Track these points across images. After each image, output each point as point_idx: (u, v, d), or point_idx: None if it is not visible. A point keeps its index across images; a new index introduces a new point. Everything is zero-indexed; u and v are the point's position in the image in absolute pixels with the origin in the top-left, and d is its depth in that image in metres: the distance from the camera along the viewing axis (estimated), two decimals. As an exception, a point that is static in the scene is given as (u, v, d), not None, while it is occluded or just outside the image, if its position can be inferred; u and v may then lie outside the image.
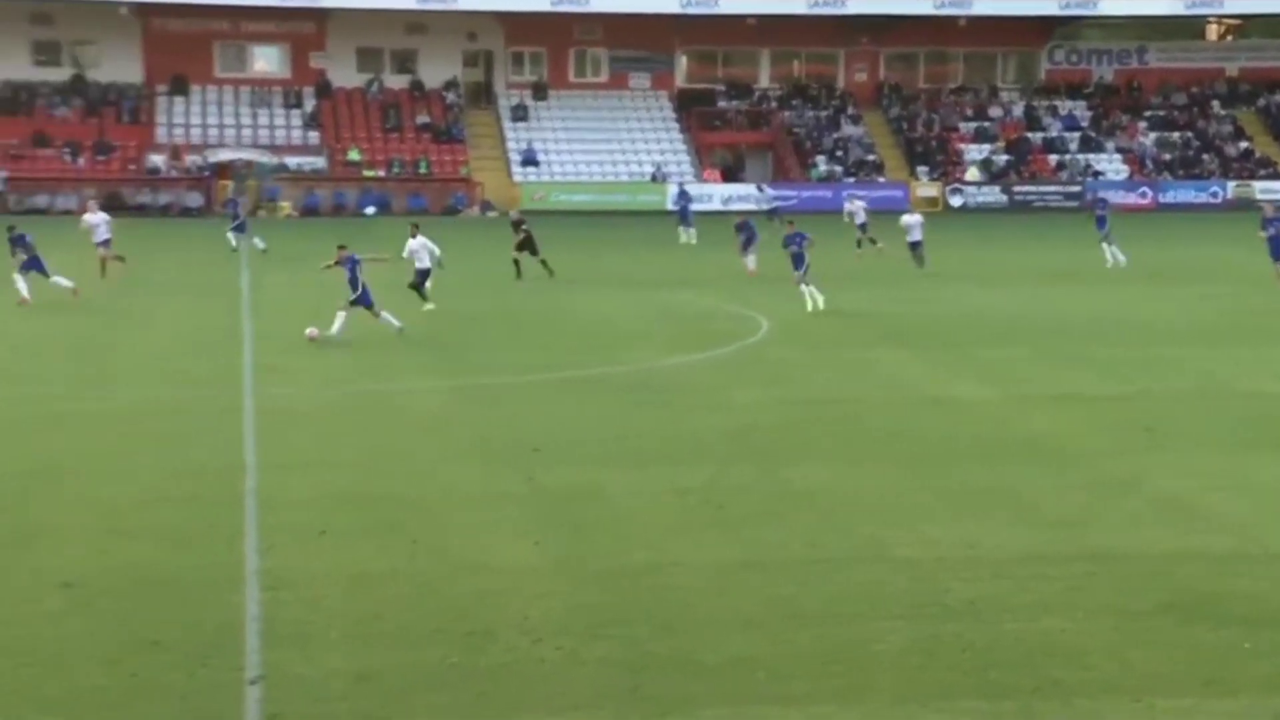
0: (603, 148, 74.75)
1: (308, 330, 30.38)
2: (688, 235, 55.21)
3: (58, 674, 12.65)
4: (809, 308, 34.93)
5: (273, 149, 70.43)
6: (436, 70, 76.57)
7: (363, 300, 30.98)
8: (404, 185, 70.20)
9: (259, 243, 50.12)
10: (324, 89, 74.31)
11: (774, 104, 79.27)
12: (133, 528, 17.13)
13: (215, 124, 71.90)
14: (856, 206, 52.24)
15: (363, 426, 23.04)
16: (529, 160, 73.01)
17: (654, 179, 71.68)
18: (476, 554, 16.13)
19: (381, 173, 70.60)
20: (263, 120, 72.65)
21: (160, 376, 27.16)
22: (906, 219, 46.57)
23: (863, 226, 50.31)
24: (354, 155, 71.16)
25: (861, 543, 16.58)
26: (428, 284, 35.62)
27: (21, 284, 35.87)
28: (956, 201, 75.31)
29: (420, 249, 35.62)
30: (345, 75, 75.39)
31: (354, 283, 30.97)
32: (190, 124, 71.70)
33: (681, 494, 18.63)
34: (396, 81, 76.18)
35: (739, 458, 20.68)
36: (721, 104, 78.77)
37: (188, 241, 54.73)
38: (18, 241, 36.61)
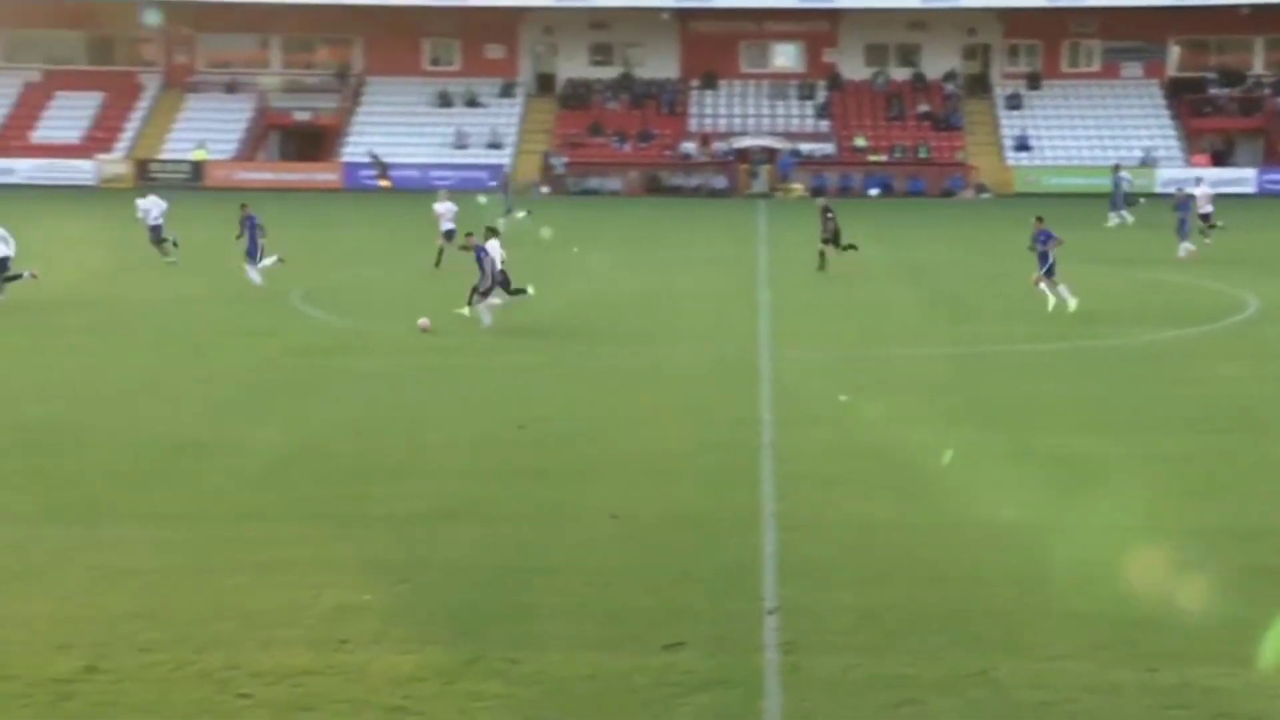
0: (1093, 134, 72.10)
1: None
2: (1120, 219, 52.30)
3: (606, 592, 13.22)
4: (1053, 307, 29.31)
5: (788, 136, 71.19)
6: (937, 63, 75.68)
7: None
8: (904, 169, 69.69)
9: (520, 214, 49.54)
10: (834, 81, 74.61)
11: (1267, 90, 74.34)
12: (669, 470, 17.69)
13: (739, 114, 73.26)
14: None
15: (868, 387, 23.02)
16: (1021, 146, 71.24)
17: (1142, 164, 68.56)
18: (969, 509, 15.88)
19: (884, 157, 70.38)
20: (779, 110, 73.53)
21: (687, 338, 27.90)
22: None
23: None
24: (860, 142, 71.16)
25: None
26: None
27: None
28: None
29: None
30: (854, 69, 75.45)
31: None
32: (718, 114, 73.32)
33: (1177, 460, 17.80)
34: (900, 74, 75.71)
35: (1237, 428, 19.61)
36: (1212, 91, 74.49)
37: (713, 218, 56.02)
38: (246, 222, 34.00)
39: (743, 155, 69.67)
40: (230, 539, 14.66)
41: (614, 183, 68.38)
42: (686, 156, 70.20)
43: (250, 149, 71.69)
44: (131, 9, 71.05)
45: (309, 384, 23.09)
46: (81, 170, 67.32)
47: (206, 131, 70.80)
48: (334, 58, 75.74)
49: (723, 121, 73.05)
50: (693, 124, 72.72)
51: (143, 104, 73.16)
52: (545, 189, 65.66)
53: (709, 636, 12.12)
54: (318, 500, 16.23)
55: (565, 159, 68.73)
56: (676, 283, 36.67)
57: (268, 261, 33.74)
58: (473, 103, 73.25)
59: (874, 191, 67.91)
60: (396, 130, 71.75)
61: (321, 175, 68.68)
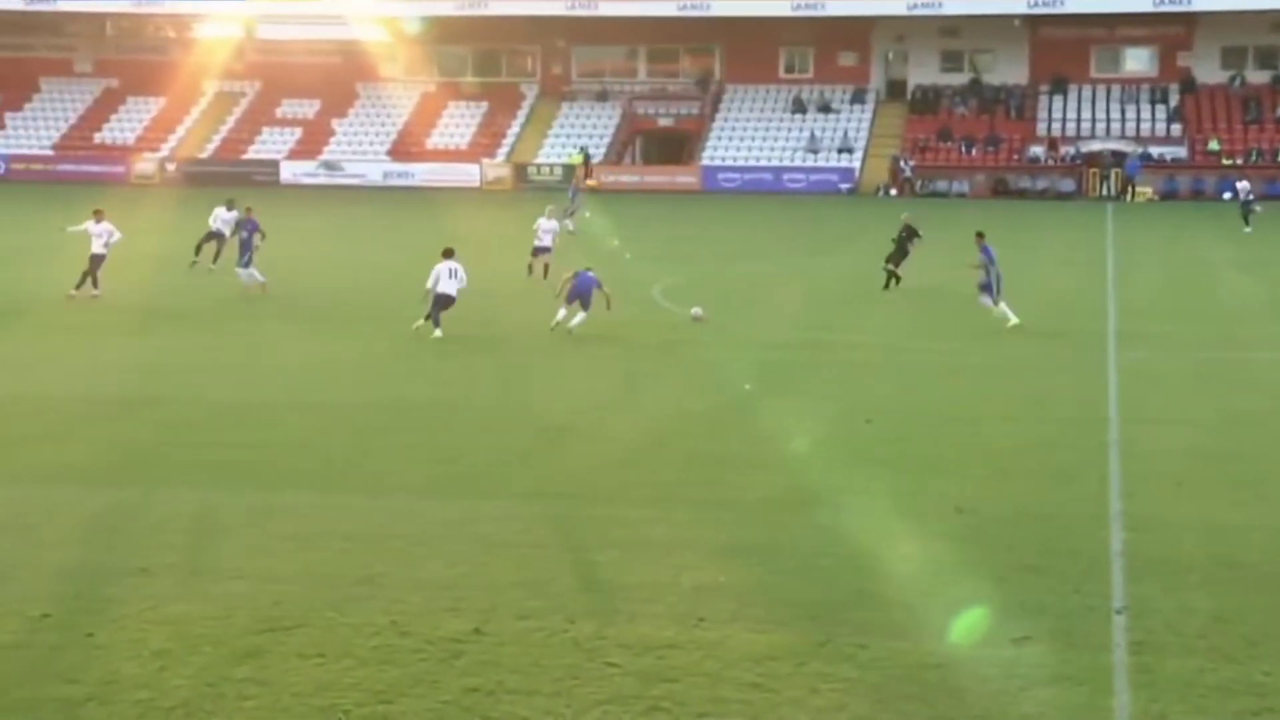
0: None
1: None
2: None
3: (952, 584, 12.95)
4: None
5: (1137, 140, 68.22)
6: (1298, 64, 71.23)
7: None
8: (1261, 172, 65.78)
9: (570, 224, 44.85)
10: (1188, 85, 71.07)
11: None
12: (1013, 466, 17.26)
13: (1088, 118, 70.62)
14: None
15: (1217, 390, 21.91)
16: (1387, 147, 66.37)
17: None
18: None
19: (1239, 161, 66.60)
20: (1129, 114, 70.54)
21: (1030, 336, 27.11)
22: None
23: None
24: (1214, 145, 67.57)
25: None
26: None
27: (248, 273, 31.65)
28: None
29: None
30: (1209, 72, 71.67)
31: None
32: (1066, 118, 70.88)
33: None
34: (1258, 77, 71.52)
35: None
36: None
37: (1060, 221, 54.25)
38: (247, 225, 32.32)
39: (1091, 159, 67.20)
40: (597, 518, 15.04)
41: (961, 185, 67.11)
42: (1034, 160, 68.20)
43: (618, 153, 73.43)
44: (513, 25, 73.74)
45: (665, 373, 23.49)
46: (468, 174, 70.32)
47: (579, 138, 72.90)
48: (696, 67, 76.75)
49: (1071, 125, 70.62)
50: (1041, 128, 70.58)
51: (522, 112, 75.89)
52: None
53: (1056, 632, 11.75)
54: (674, 484, 16.50)
55: (913, 162, 67.81)
56: (1022, 282, 35.66)
57: (255, 272, 31.55)
58: (825, 108, 73.06)
59: (1228, 195, 64.44)
60: (752, 135, 72.24)
61: (682, 178, 69.75)
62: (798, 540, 14.30)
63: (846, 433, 19.07)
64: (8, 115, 76.29)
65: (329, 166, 71.18)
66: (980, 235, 28.50)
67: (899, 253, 32.80)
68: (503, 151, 73.18)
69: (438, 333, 26.16)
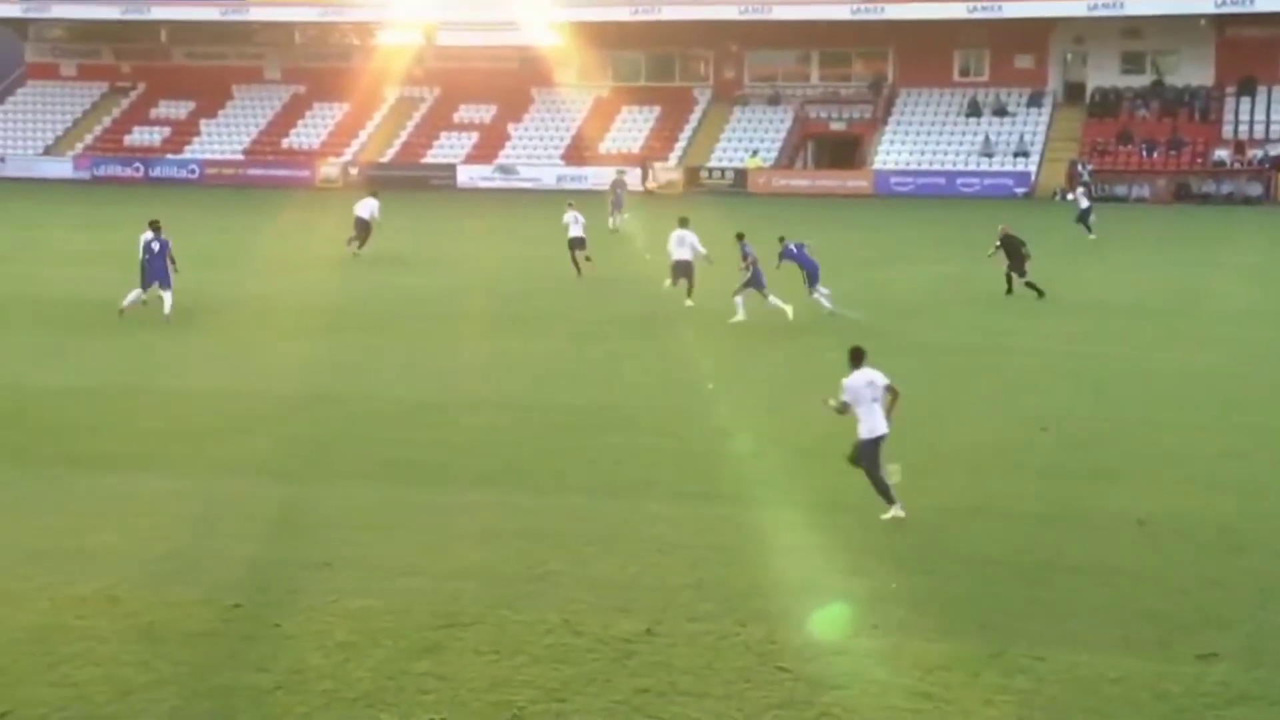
0: None
1: None
2: None
3: (1132, 596, 12.63)
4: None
5: (1336, 140, 65.76)
6: None
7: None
8: None
9: (614, 222, 46.76)
10: (1386, 84, 68.31)
11: None
12: (1200, 476, 16.75)
13: (1278, 120, 68.23)
14: None
15: None
16: None
17: None
18: None
19: None
20: (1323, 115, 68.03)
21: (1215, 341, 26.25)
22: None
23: None
24: None
25: None
26: None
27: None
28: None
29: None
30: None
31: None
32: (1255, 120, 68.51)
33: None
34: None
35: None
36: None
37: (1247, 225, 52.46)
38: (149, 246, 28.64)
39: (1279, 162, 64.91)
40: (767, 521, 15.00)
41: (1141, 190, 65.33)
42: (1219, 164, 66.08)
43: (789, 157, 73.16)
44: (687, 29, 73.96)
45: (832, 379, 23.16)
46: (639, 176, 70.67)
47: (750, 142, 72.84)
48: (868, 70, 76.09)
49: (1259, 128, 68.23)
50: (1226, 130, 68.33)
51: (694, 116, 76.04)
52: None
53: (1244, 649, 11.37)
54: (842, 489, 16.32)
55: (1090, 166, 66.23)
56: (1207, 286, 34.61)
57: (135, 295, 28.59)
58: (1000, 111, 71.79)
59: None
60: (925, 138, 71.35)
61: (853, 182, 69.19)
62: (969, 548, 14.08)
63: (1021, 439, 18.71)
64: (203, 122, 79.00)
65: (504, 170, 72.24)
66: (740, 236, 29.22)
67: (1018, 261, 31.55)
68: (675, 155, 73.42)
69: (686, 301, 30.03)
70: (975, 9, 68.65)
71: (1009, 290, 31.51)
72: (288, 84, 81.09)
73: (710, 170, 71.15)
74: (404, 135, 76.82)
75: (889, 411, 15.00)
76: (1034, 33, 71.57)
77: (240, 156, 76.11)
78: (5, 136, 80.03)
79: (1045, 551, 13.87)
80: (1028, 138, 69.83)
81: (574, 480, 16.72)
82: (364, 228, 39.43)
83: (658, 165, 71.75)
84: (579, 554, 13.80)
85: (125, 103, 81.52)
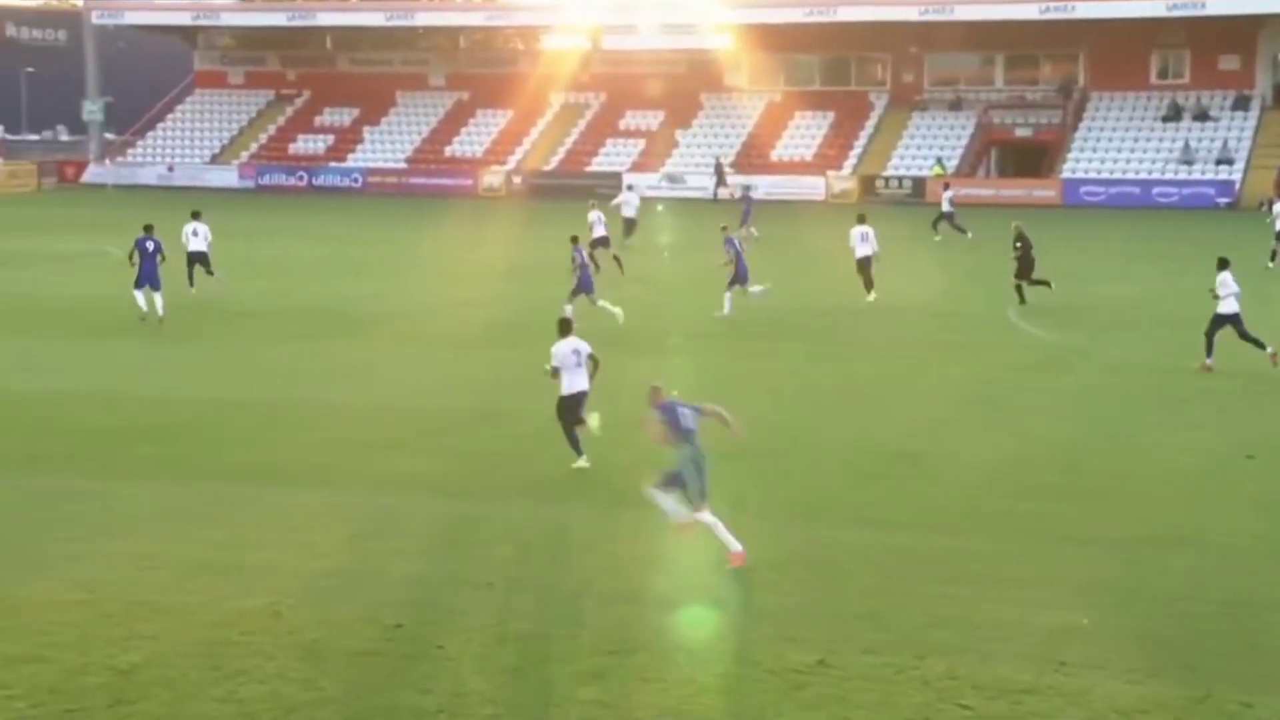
0: None
1: None
2: None
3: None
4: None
5: None
6: None
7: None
8: None
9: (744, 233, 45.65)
10: None
11: None
12: None
13: None
14: None
15: None
16: None
17: None
18: None
19: None
20: None
21: None
22: None
23: None
24: None
25: None
26: None
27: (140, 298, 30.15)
28: None
29: None
30: None
31: None
32: None
33: None
34: None
35: None
36: None
37: None
38: (140, 245, 30.41)
39: None
40: (946, 549, 14.80)
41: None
42: None
43: (971, 165, 72.22)
44: (864, 31, 73.52)
45: (1019, 400, 22.93)
46: (813, 186, 70.38)
47: (930, 149, 72.08)
48: (1057, 73, 74.78)
49: None
50: None
51: (870, 122, 75.54)
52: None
53: None
54: (1029, 517, 16.09)
55: (1302, 173, 64.15)
56: None
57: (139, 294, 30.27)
58: (1202, 116, 69.93)
59: None
60: (1119, 145, 69.84)
61: (1040, 191, 67.98)
62: (1165, 582, 13.73)
63: (1224, 468, 18.18)
64: (366, 130, 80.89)
65: (671, 179, 72.58)
66: (724, 229, 32.92)
67: (1025, 265, 32.62)
68: (850, 163, 72.99)
69: (869, 296, 32.70)
70: (1175, 7, 67.02)
71: (1022, 300, 32.42)
72: (451, 90, 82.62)
73: (886, 179, 70.58)
74: (568, 143, 77.69)
75: (591, 376, 18.29)
76: (1240, 32, 69.59)
77: (402, 165, 77.73)
78: (174, 146, 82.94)
79: (1253, 589, 13.45)
80: (1232, 144, 67.89)
81: (746, 504, 16.67)
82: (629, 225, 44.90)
83: (832, 173, 71.41)
84: (748, 581, 13.78)
85: (290, 110, 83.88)
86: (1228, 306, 24.40)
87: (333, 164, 78.34)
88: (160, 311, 29.93)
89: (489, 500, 16.74)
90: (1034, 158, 72.30)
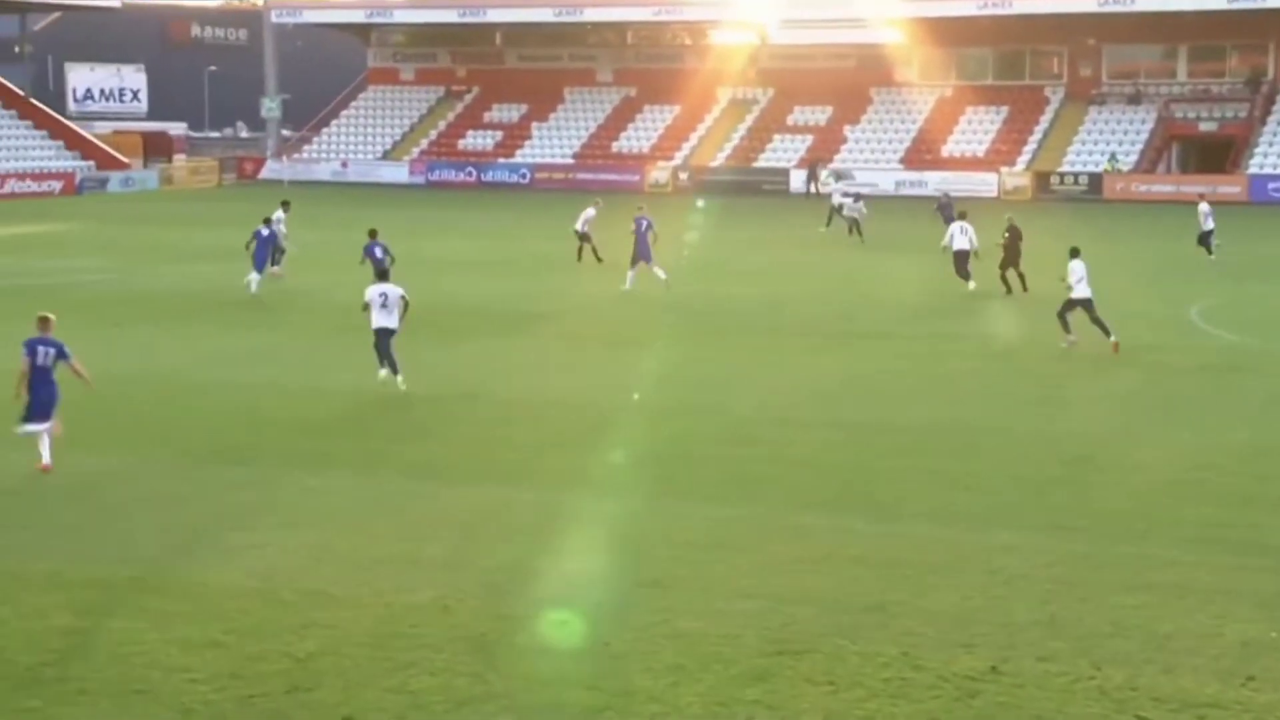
0: None
1: None
2: None
3: None
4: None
5: None
6: None
7: None
8: None
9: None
10: None
11: None
12: None
13: None
14: None
15: None
16: None
17: None
18: None
19: None
20: None
21: None
22: None
23: None
24: None
25: None
26: None
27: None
28: None
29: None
30: None
31: None
32: None
33: None
34: None
35: None
36: None
37: None
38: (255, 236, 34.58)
39: None
40: (1126, 556, 14.46)
41: None
42: None
43: (1151, 161, 70.48)
44: (1039, 23, 72.17)
45: (1202, 403, 22.31)
46: (984, 183, 69.31)
47: (1108, 144, 70.54)
48: (1244, 65, 72.61)
49: None
50: None
51: (1045, 117, 74.15)
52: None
53: None
54: (1213, 524, 15.64)
55: None
56: None
57: (254, 277, 34.08)
58: (1398, 108, 67.35)
59: None
60: (1309, 140, 67.70)
61: (1225, 188, 66.02)
62: (1365, 597, 13.22)
63: None
64: (534, 125, 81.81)
65: (839, 175, 72.09)
66: (640, 208, 35.72)
67: (1011, 255, 33.61)
68: (1023, 159, 71.75)
69: (969, 285, 33.92)
70: (1371, -5, 64.69)
71: (1008, 290, 33.48)
72: (619, 86, 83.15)
73: (1062, 175, 69.22)
74: (736, 138, 77.65)
75: (401, 315, 22.39)
76: None
77: (570, 160, 78.42)
78: (348, 142, 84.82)
79: None
80: None
81: (914, 505, 16.51)
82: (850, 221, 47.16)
83: (1005, 170, 70.26)
84: (918, 584, 13.61)
85: (460, 106, 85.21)
86: (1081, 291, 26.15)
87: (501, 160, 79.36)
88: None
89: (658, 497, 16.80)
90: (1218, 153, 70.30)
